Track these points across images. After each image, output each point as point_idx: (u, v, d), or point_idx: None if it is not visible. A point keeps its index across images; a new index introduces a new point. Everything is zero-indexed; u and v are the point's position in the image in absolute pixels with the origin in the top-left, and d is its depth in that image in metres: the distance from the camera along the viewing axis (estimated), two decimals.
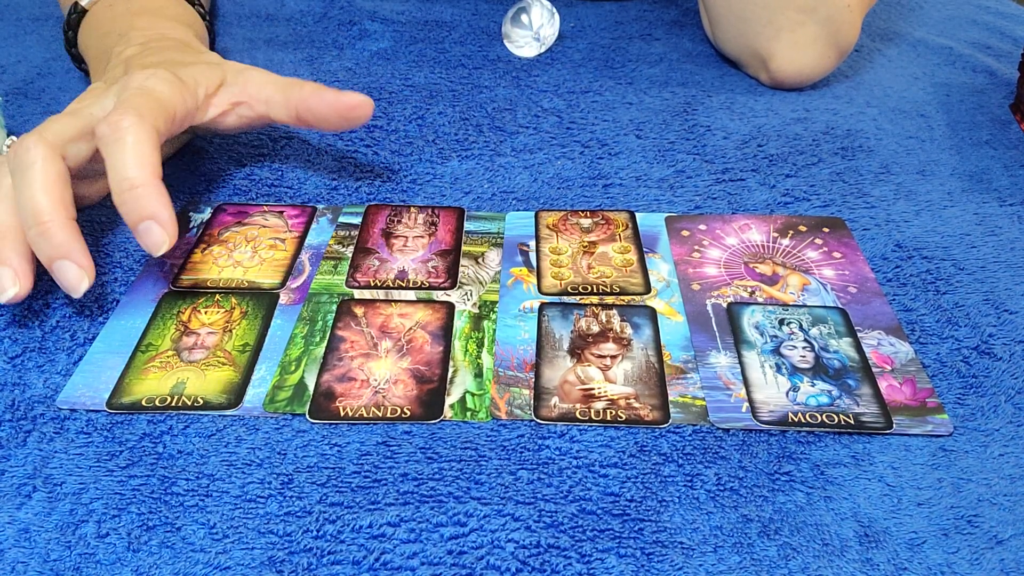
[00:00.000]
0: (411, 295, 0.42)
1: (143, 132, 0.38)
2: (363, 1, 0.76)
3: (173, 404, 0.36)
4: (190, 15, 0.57)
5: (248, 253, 0.45)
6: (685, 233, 0.47)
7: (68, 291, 0.37)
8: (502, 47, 0.68)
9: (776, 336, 0.40)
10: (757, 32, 0.59)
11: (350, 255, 0.45)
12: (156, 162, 0.38)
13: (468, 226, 0.47)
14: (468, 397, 0.37)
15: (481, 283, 0.43)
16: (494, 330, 0.40)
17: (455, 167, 0.53)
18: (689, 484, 0.33)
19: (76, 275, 0.37)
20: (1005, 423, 0.36)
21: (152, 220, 0.37)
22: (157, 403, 0.36)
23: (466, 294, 0.42)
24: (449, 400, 0.36)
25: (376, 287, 0.43)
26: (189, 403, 0.36)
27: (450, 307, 0.41)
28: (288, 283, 0.43)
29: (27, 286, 0.37)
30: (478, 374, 0.38)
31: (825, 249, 0.46)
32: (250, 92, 0.46)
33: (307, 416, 0.36)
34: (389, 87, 0.62)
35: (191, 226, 0.47)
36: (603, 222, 0.48)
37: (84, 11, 0.55)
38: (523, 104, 0.60)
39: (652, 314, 0.41)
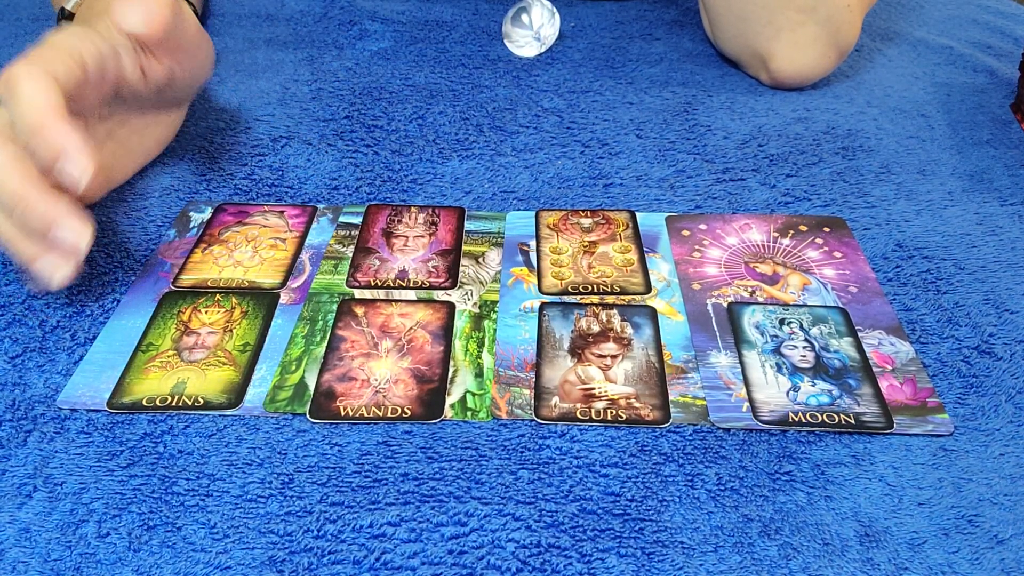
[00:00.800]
0: (411, 295, 0.42)
1: (36, 78, 0.36)
2: (363, 1, 0.76)
3: (174, 404, 0.36)
4: None
5: (248, 253, 0.45)
6: (685, 233, 0.47)
7: (75, 250, 0.36)
8: (502, 47, 0.68)
9: (777, 336, 0.40)
10: (757, 32, 0.59)
11: (351, 255, 0.45)
12: (54, 102, 0.36)
13: (468, 226, 0.47)
14: (469, 397, 0.37)
15: (481, 283, 0.43)
16: (494, 330, 0.40)
17: (455, 167, 0.53)
18: (690, 484, 0.33)
19: (76, 231, 0.36)
20: (1006, 423, 0.36)
21: (64, 156, 0.36)
22: (158, 403, 0.36)
23: (466, 294, 0.42)
24: (450, 400, 0.36)
25: (376, 287, 0.43)
26: (190, 403, 0.36)
27: (450, 307, 0.41)
28: (288, 283, 0.43)
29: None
30: (479, 374, 0.38)
31: (826, 249, 0.46)
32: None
33: (308, 416, 0.36)
34: (389, 87, 0.62)
35: (191, 226, 0.47)
36: (603, 222, 0.48)
37: (71, 15, 0.55)
38: (523, 104, 0.60)
39: (652, 314, 0.41)
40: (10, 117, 0.37)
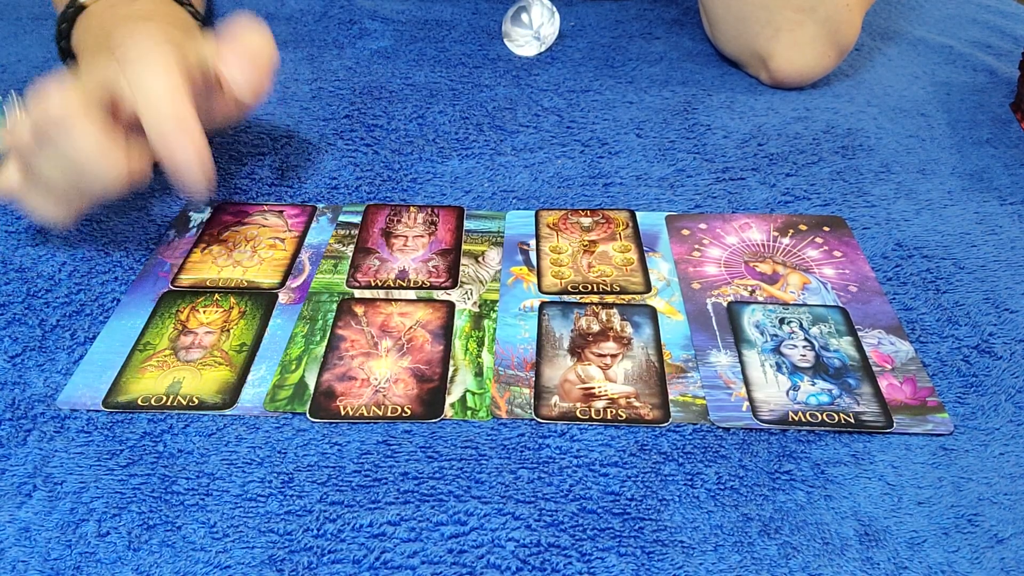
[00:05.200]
0: (411, 294, 0.42)
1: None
2: (363, 0, 0.76)
3: (169, 403, 0.36)
4: (185, 19, 0.57)
5: (248, 253, 0.45)
6: (685, 232, 0.47)
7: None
8: (502, 46, 0.68)
9: (776, 335, 0.40)
10: (756, 33, 0.59)
11: (350, 254, 0.45)
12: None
13: (468, 225, 0.47)
14: (468, 396, 0.37)
15: (481, 282, 0.43)
16: (494, 329, 0.40)
17: (455, 166, 0.53)
18: (689, 483, 0.33)
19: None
20: (1005, 422, 0.36)
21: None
22: (153, 402, 0.36)
23: (466, 293, 0.42)
24: (449, 399, 0.36)
25: (377, 287, 0.43)
26: (185, 403, 0.36)
27: (450, 306, 0.41)
28: (288, 283, 0.43)
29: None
30: (478, 373, 0.38)
31: (825, 248, 0.46)
32: None
33: (307, 415, 0.36)
34: (389, 86, 0.62)
35: (191, 225, 0.47)
36: (603, 221, 0.48)
37: (82, 7, 0.55)
38: (523, 103, 0.60)
39: (652, 313, 0.41)
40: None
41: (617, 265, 0.44)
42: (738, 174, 0.52)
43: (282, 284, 0.43)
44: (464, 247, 0.46)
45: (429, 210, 0.49)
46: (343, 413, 0.36)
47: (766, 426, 0.35)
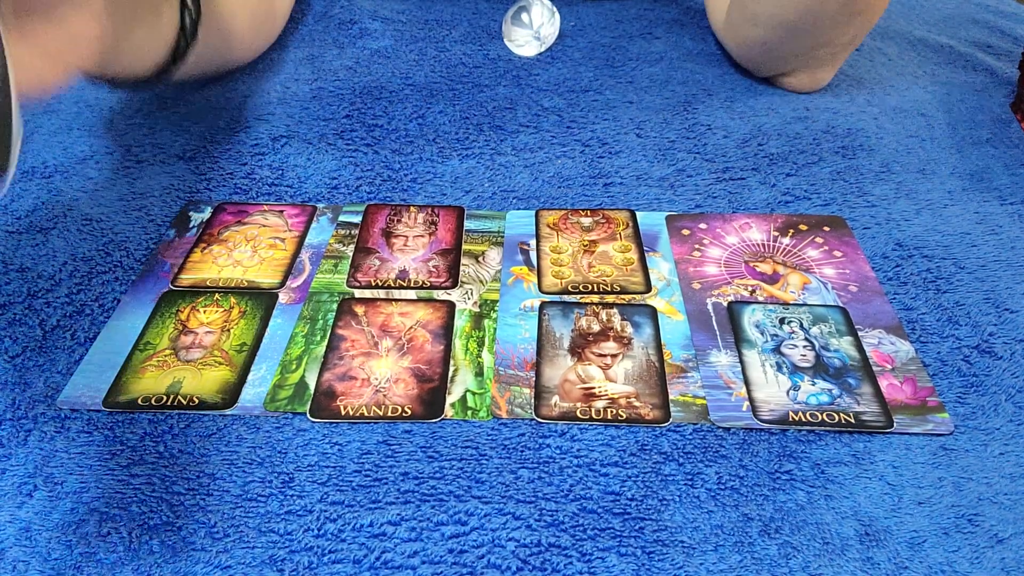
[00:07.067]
0: (412, 294, 0.42)
1: None
2: (363, 0, 0.76)
3: (169, 403, 0.36)
4: None
5: (248, 252, 0.45)
6: (686, 232, 0.47)
7: None
8: (502, 46, 0.68)
9: (777, 335, 0.40)
10: (786, 64, 0.59)
11: (351, 254, 0.45)
12: None
13: (468, 225, 0.47)
14: (469, 396, 0.37)
15: (481, 282, 0.43)
16: (495, 329, 0.40)
17: (455, 166, 0.53)
18: (690, 483, 0.33)
19: None
20: (1006, 422, 0.36)
21: None
22: (153, 402, 0.36)
23: (466, 293, 0.42)
24: (450, 399, 0.36)
25: (377, 287, 0.43)
26: (185, 402, 0.36)
27: (451, 306, 0.41)
28: (288, 282, 0.43)
29: None
30: (479, 373, 0.38)
31: (826, 248, 0.46)
32: None
33: (308, 415, 0.36)
34: (389, 86, 0.62)
35: (191, 225, 0.47)
36: (603, 221, 0.48)
37: None
38: (523, 103, 0.60)
39: (653, 313, 0.41)
40: None
41: (617, 265, 0.44)
42: (738, 174, 0.52)
43: (282, 284, 0.43)
44: (464, 247, 0.46)
45: (429, 210, 0.49)
46: (343, 413, 0.36)
47: (766, 426, 0.35)
